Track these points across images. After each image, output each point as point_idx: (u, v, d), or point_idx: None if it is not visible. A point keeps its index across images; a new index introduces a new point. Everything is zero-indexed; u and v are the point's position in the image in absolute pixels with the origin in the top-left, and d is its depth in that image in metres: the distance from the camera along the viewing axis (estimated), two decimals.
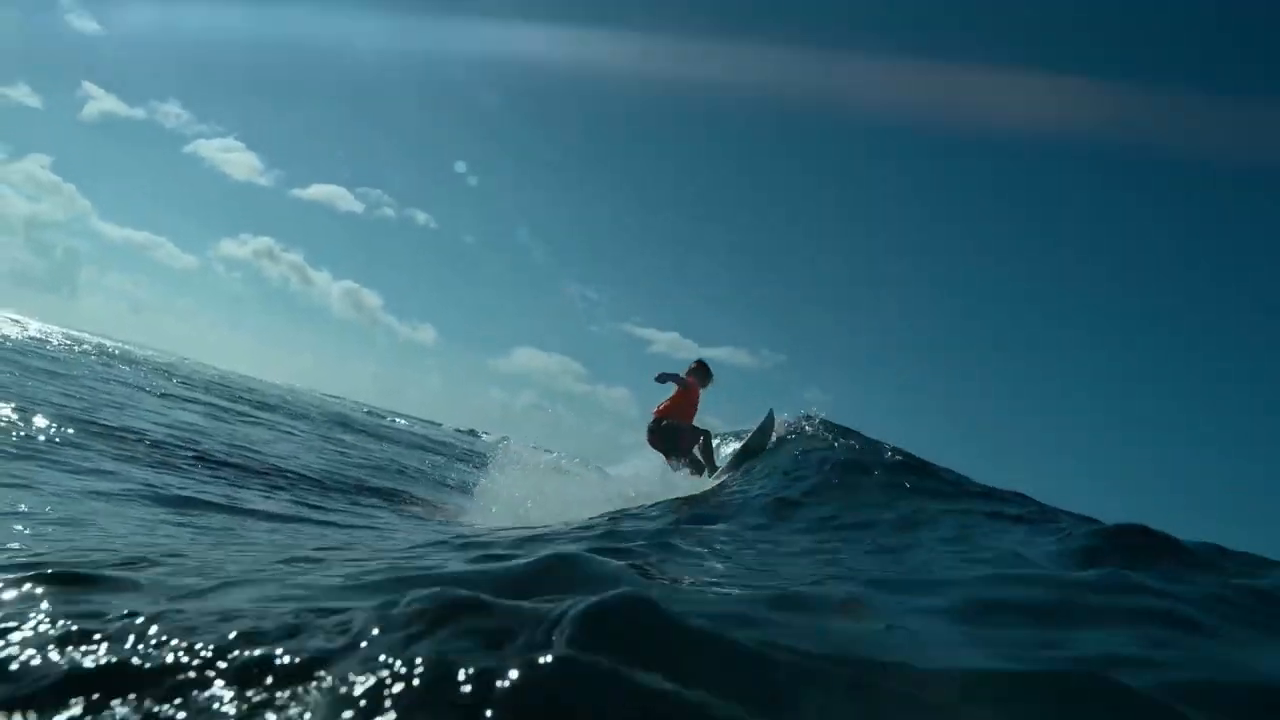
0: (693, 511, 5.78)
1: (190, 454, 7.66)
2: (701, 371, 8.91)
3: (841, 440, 8.06)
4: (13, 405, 8.00)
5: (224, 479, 6.77)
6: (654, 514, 5.66)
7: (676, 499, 6.46)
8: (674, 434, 8.58)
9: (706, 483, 7.90)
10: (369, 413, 55.71)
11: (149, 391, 15.21)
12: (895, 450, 7.61)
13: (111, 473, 5.71)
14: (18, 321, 46.68)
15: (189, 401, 15.17)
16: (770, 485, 6.76)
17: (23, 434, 6.67)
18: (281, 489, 6.99)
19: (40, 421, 7.47)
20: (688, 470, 8.51)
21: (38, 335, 33.16)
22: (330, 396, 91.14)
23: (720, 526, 5.12)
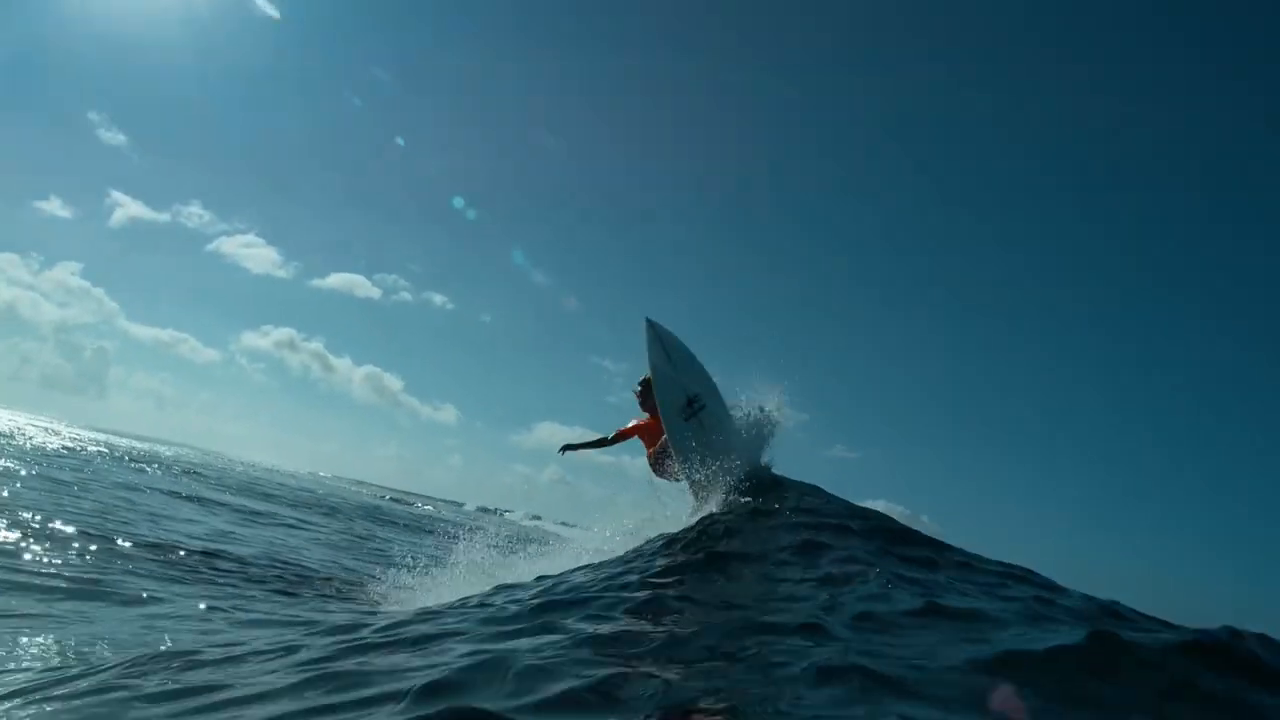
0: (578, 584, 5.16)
1: (233, 571, 7.81)
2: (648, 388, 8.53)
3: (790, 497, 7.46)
4: (55, 526, 8.23)
5: (272, 590, 6.90)
6: (580, 580, 5.28)
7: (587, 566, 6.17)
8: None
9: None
10: (393, 499, 55.69)
11: (183, 496, 15.46)
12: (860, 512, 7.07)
13: (161, 598, 5.86)
14: (53, 430, 47.52)
15: (220, 505, 15.38)
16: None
17: (68, 560, 6.86)
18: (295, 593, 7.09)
19: (83, 544, 7.67)
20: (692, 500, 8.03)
21: (70, 444, 33.72)
22: (355, 483, 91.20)
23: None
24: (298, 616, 6.04)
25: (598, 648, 3.01)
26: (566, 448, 8.50)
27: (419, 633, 3.53)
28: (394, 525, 20.10)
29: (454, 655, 2.98)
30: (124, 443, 50.93)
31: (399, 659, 3.05)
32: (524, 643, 3.20)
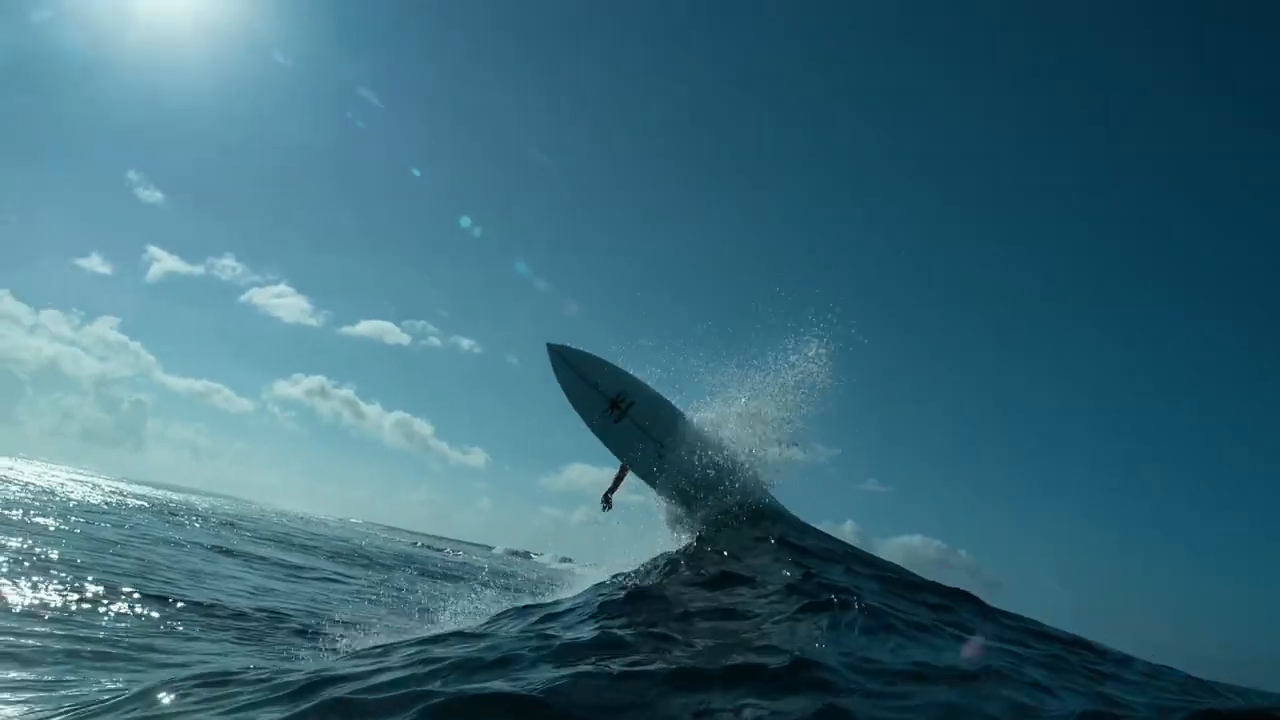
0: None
1: (278, 627, 7.69)
2: None
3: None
4: (103, 587, 8.20)
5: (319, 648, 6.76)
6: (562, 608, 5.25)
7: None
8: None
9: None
10: (425, 545, 55.54)
11: (223, 551, 15.45)
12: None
13: (211, 662, 5.74)
14: (94, 484, 48.22)
15: (260, 560, 15.35)
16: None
17: (118, 623, 6.80)
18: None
19: (131, 605, 7.62)
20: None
21: (111, 498, 34.14)
22: (387, 528, 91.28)
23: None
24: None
25: None
26: (606, 500, 8.36)
27: None
28: (430, 575, 19.91)
29: None
30: (161, 494, 51.52)
31: None
32: None
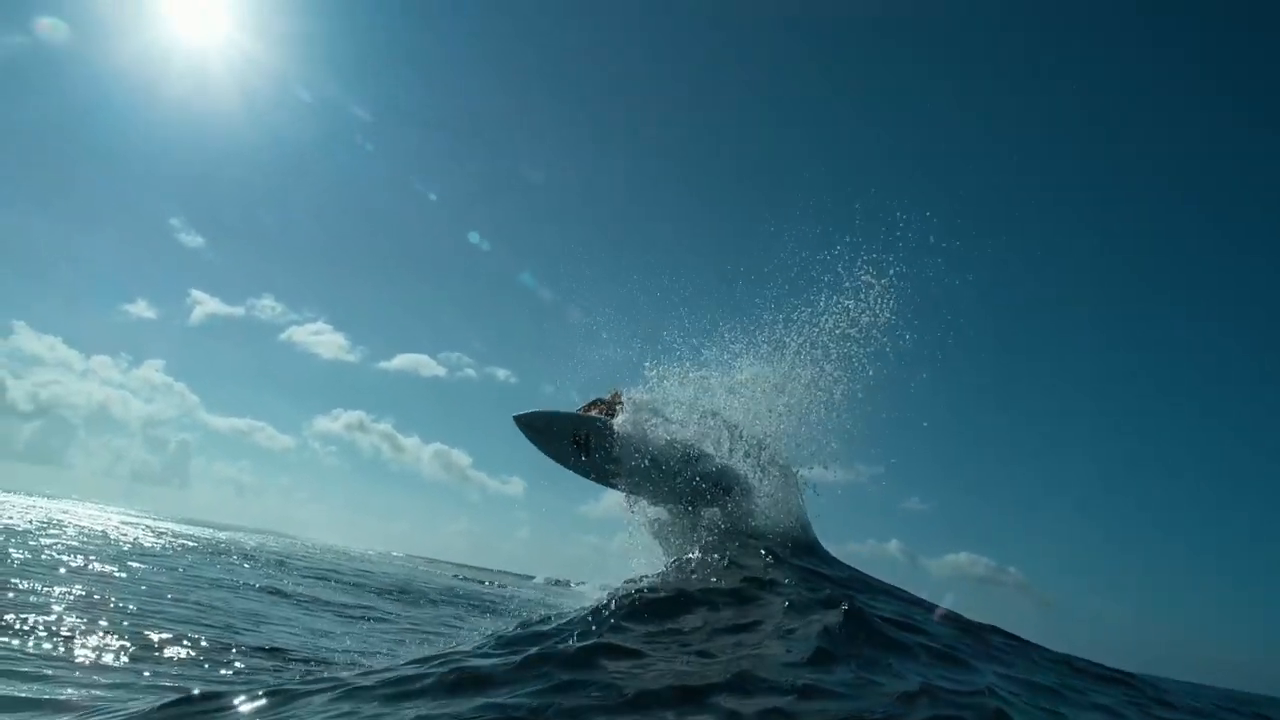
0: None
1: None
2: None
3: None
4: (162, 635, 8.27)
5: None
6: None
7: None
8: None
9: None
10: (468, 578, 55.64)
11: (275, 592, 15.58)
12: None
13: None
14: (144, 524, 49.17)
15: (312, 601, 15.44)
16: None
17: (180, 673, 6.82)
18: None
19: (190, 653, 7.66)
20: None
21: (161, 539, 34.71)
22: (427, 560, 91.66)
23: None
24: None
25: None
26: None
27: None
28: (479, 609, 19.89)
29: None
30: (208, 533, 52.36)
31: None
32: None
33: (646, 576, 7.50)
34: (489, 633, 6.27)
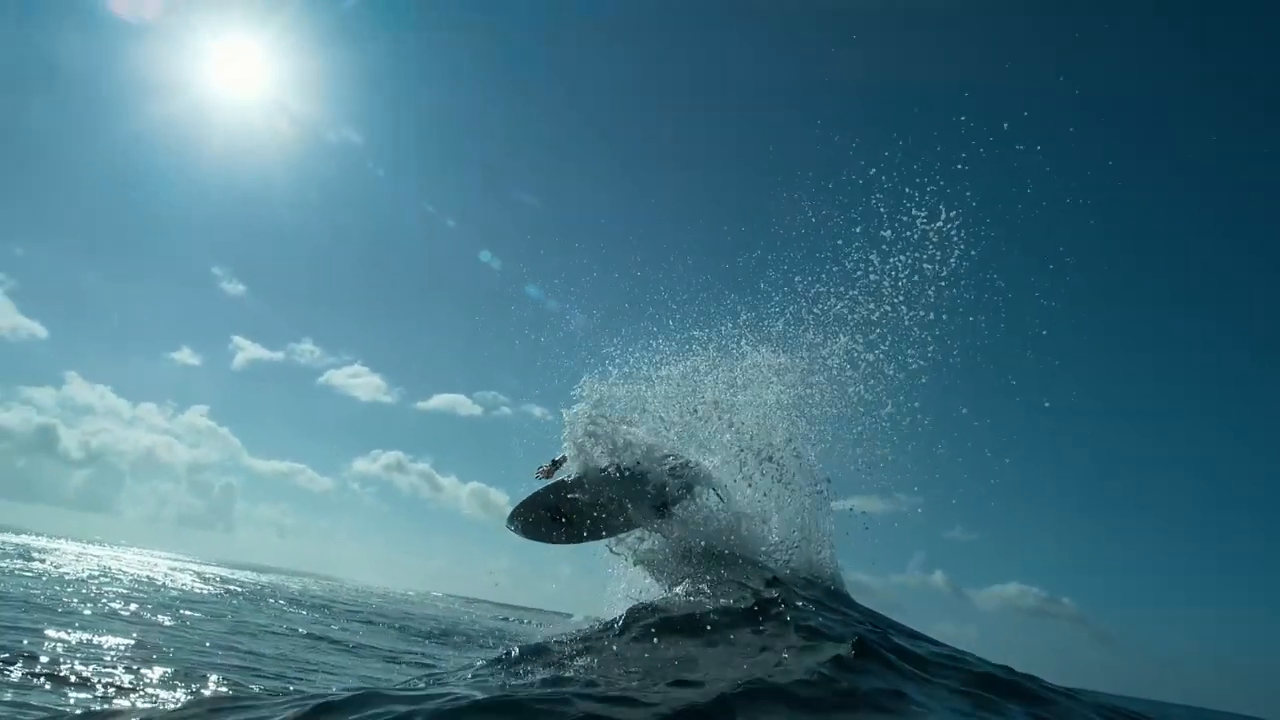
0: None
1: None
2: None
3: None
4: (224, 687, 8.21)
5: None
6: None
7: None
8: None
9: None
10: (511, 619, 55.31)
11: (322, 638, 15.54)
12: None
13: None
14: (191, 569, 49.78)
15: (360, 647, 15.36)
16: None
17: None
18: None
19: (240, 704, 7.56)
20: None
21: (208, 584, 35.06)
22: (467, 600, 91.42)
23: None
24: None
25: None
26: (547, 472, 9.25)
27: None
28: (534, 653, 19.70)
29: None
30: (253, 577, 52.83)
31: None
32: None
33: (630, 606, 7.36)
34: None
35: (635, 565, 9.08)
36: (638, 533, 9.07)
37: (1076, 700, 5.99)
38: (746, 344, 9.91)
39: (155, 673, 8.59)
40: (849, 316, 9.55)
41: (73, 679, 7.76)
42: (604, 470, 8.66)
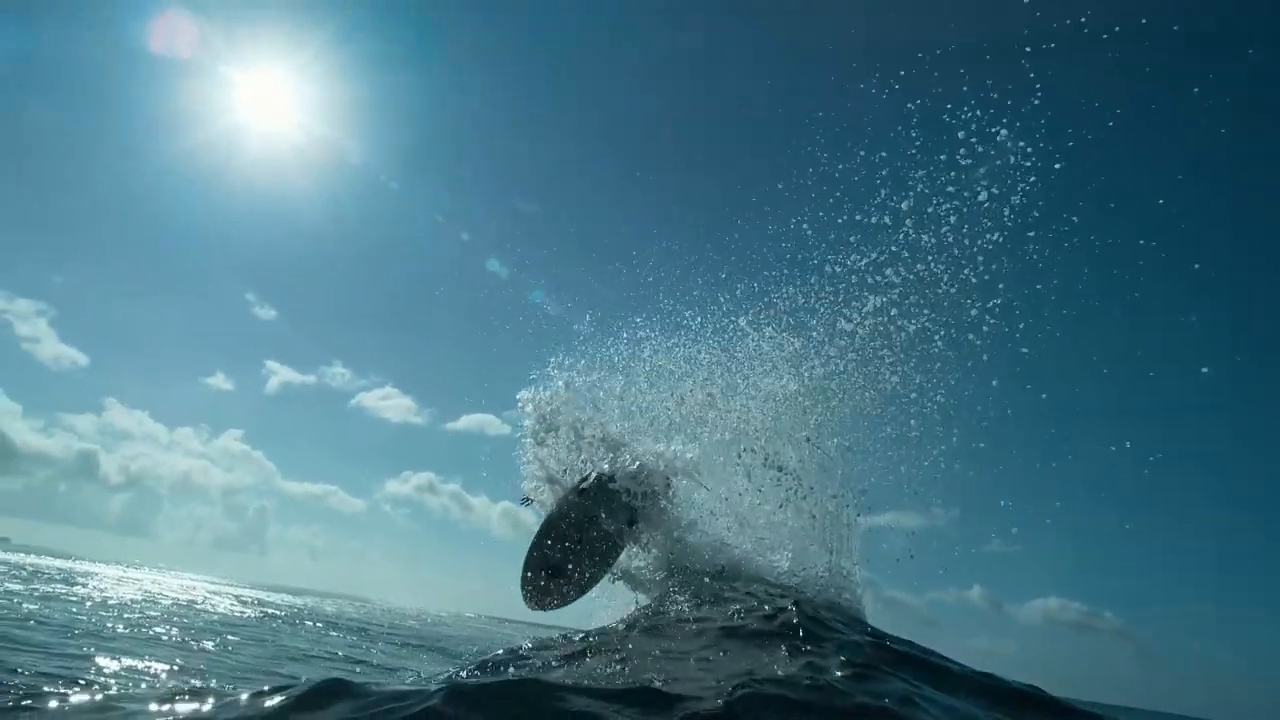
0: None
1: None
2: None
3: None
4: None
5: None
6: None
7: None
8: None
9: None
10: (539, 639, 54.97)
11: (363, 662, 15.40)
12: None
13: None
14: (227, 592, 50.15)
15: (400, 672, 15.18)
16: None
17: None
18: None
19: None
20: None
21: (245, 607, 35.25)
22: (498, 620, 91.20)
23: None
24: None
25: None
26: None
27: None
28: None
29: None
30: (287, 599, 53.11)
31: None
32: None
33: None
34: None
35: (615, 583, 8.55)
36: (625, 554, 8.50)
37: None
38: (746, 322, 8.82)
39: (206, 707, 8.45)
40: (871, 281, 8.13)
41: (119, 706, 7.65)
42: (573, 491, 8.15)
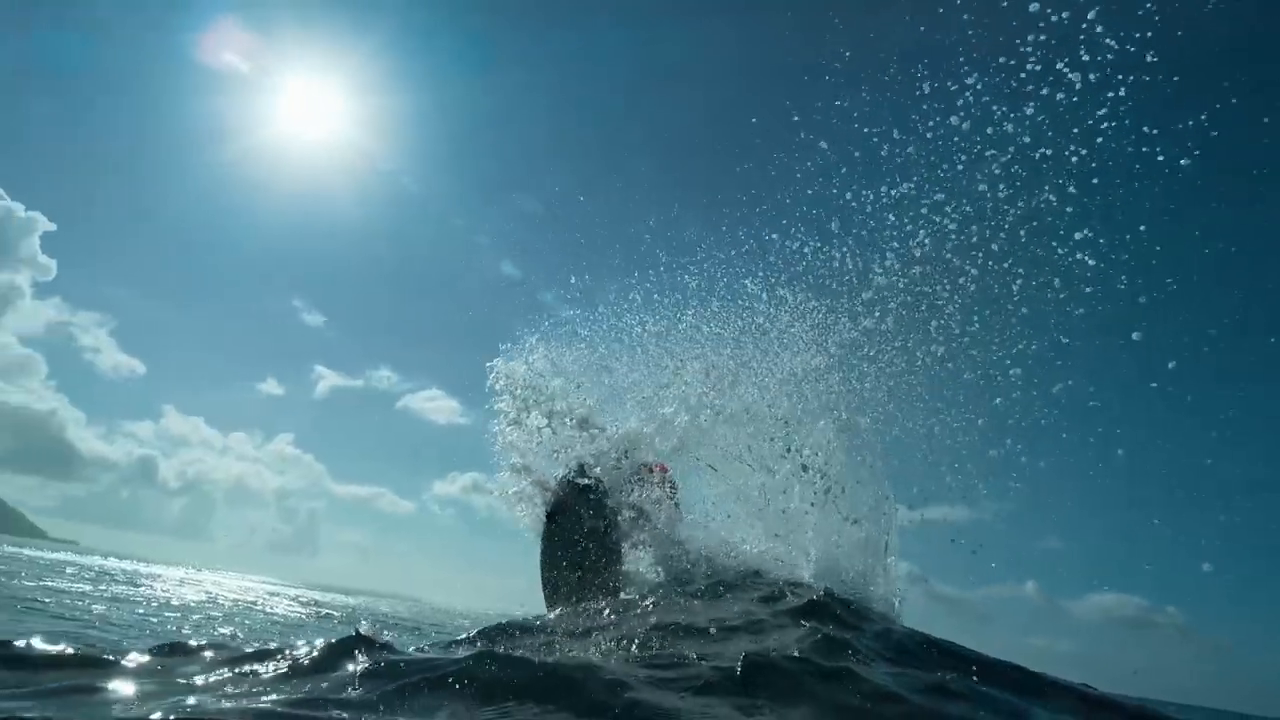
0: None
1: None
2: None
3: None
4: None
5: None
6: None
7: None
8: None
9: None
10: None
11: None
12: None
13: None
14: (283, 594, 51.14)
15: None
16: None
17: None
18: None
19: None
20: None
21: (303, 609, 35.89)
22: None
23: None
24: None
25: None
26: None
27: None
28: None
29: None
30: (341, 599, 53.93)
31: None
32: None
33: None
34: None
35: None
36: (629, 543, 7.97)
37: None
38: (754, 283, 7.46)
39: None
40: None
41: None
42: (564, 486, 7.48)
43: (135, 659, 5.43)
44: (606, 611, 6.33)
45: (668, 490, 7.70)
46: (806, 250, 7.31)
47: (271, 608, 30.15)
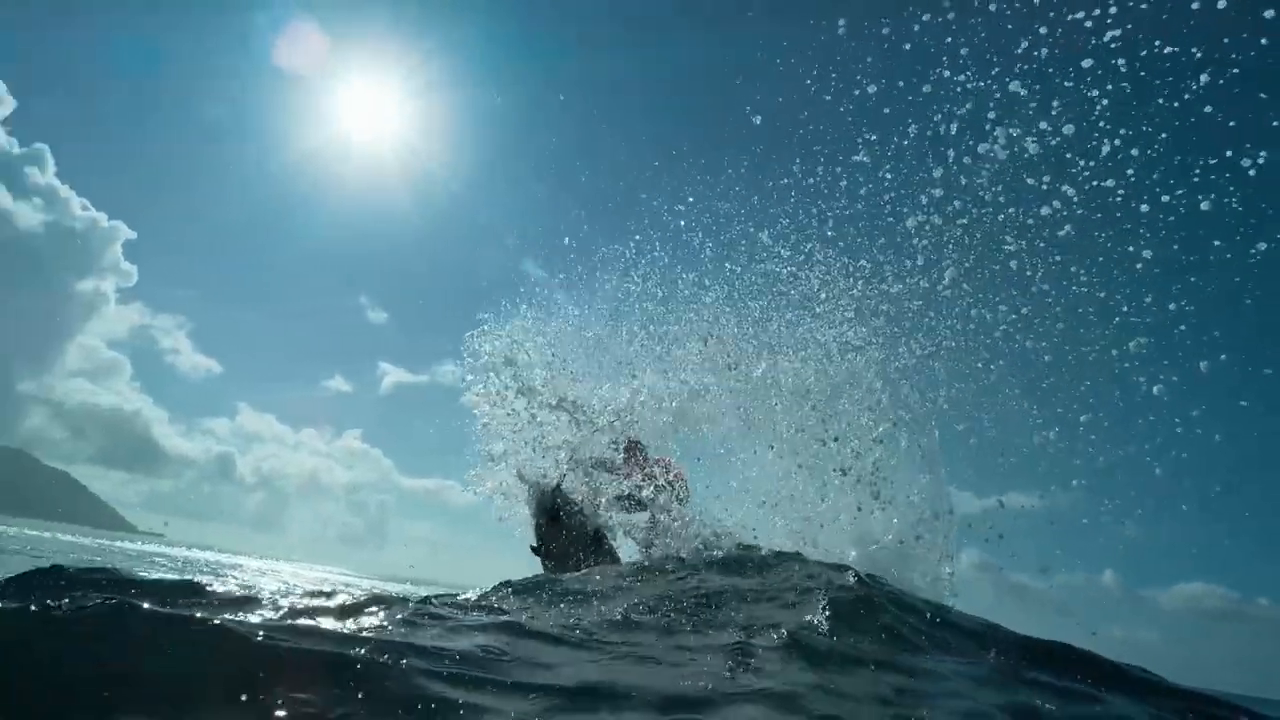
0: None
1: None
2: None
3: None
4: None
5: None
6: None
7: None
8: None
9: None
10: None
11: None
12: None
13: None
14: (370, 588, 52.15)
15: None
16: None
17: None
18: None
19: None
20: None
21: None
22: None
23: None
24: None
25: None
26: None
27: None
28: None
29: None
30: (410, 589, 54.77)
31: None
32: None
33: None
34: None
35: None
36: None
37: None
38: (769, 236, 6.54)
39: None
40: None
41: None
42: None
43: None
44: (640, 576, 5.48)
45: (679, 489, 6.64)
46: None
47: (352, 596, 30.58)
